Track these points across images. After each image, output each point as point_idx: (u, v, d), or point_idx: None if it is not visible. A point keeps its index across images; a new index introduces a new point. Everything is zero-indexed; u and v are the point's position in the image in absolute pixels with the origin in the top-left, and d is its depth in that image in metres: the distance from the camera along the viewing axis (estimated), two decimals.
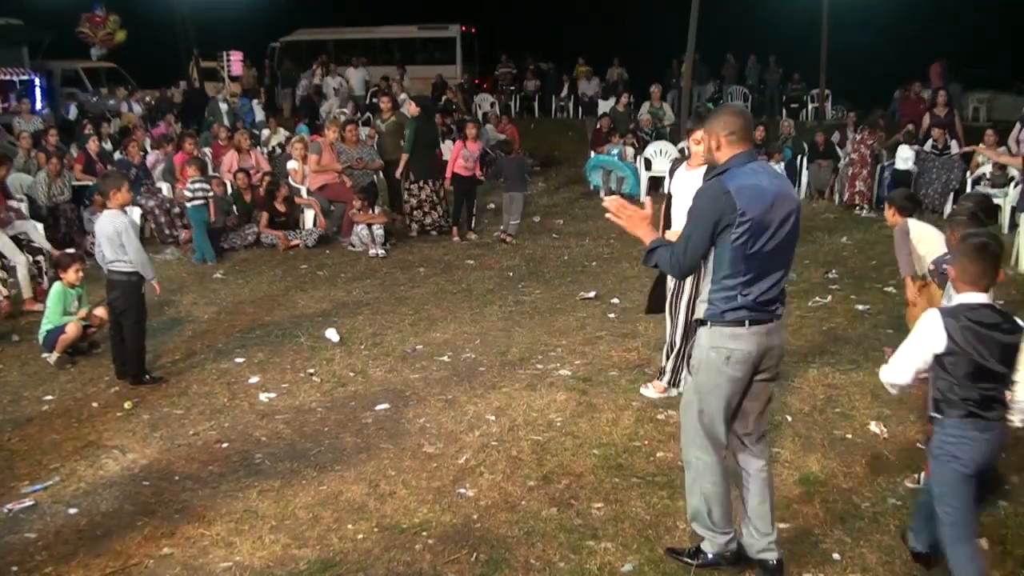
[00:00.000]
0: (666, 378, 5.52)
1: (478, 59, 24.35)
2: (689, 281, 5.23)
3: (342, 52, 22.89)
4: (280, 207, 10.16)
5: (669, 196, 5.51)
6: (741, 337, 3.29)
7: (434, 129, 11.23)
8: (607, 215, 3.48)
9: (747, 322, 3.28)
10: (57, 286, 6.42)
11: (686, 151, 13.17)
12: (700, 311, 3.39)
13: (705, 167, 5.11)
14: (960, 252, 3.26)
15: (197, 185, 9.36)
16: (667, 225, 5.48)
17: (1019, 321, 3.18)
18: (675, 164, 5.66)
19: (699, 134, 5.17)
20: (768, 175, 3.34)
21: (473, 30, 24.21)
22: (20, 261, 7.77)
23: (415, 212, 10.49)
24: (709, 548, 3.58)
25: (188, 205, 9.39)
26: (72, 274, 6.40)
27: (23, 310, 7.58)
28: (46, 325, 6.29)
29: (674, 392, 5.44)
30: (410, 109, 10.55)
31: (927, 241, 5.62)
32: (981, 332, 3.07)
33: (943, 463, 3.15)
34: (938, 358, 3.11)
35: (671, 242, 3.42)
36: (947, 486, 3.16)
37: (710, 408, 3.39)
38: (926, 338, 3.13)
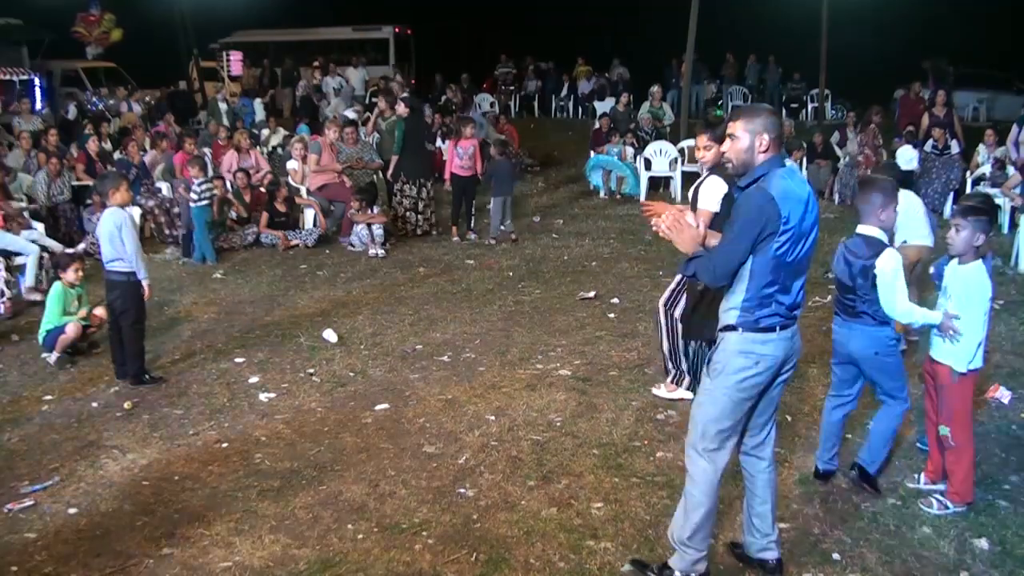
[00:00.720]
0: (671, 377, 5.53)
1: (414, 60, 24.53)
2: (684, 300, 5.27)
3: (283, 53, 23.07)
4: (280, 207, 10.17)
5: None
6: (771, 342, 3.27)
7: (423, 129, 11.22)
8: (655, 227, 3.30)
9: (778, 327, 3.27)
10: (57, 286, 6.42)
11: (689, 151, 13.07)
12: (729, 318, 3.29)
13: (707, 174, 5.12)
14: None
15: (204, 187, 9.35)
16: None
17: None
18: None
19: (701, 140, 5.17)
20: (799, 178, 3.31)
21: (408, 31, 24.37)
22: (32, 249, 7.89)
23: (408, 213, 10.48)
24: (677, 564, 3.46)
25: (192, 205, 9.39)
26: (72, 274, 6.40)
27: (26, 300, 7.66)
28: (46, 325, 6.29)
29: (682, 391, 5.46)
30: (399, 110, 10.54)
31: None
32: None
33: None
34: None
35: (710, 250, 3.33)
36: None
37: (724, 413, 3.32)
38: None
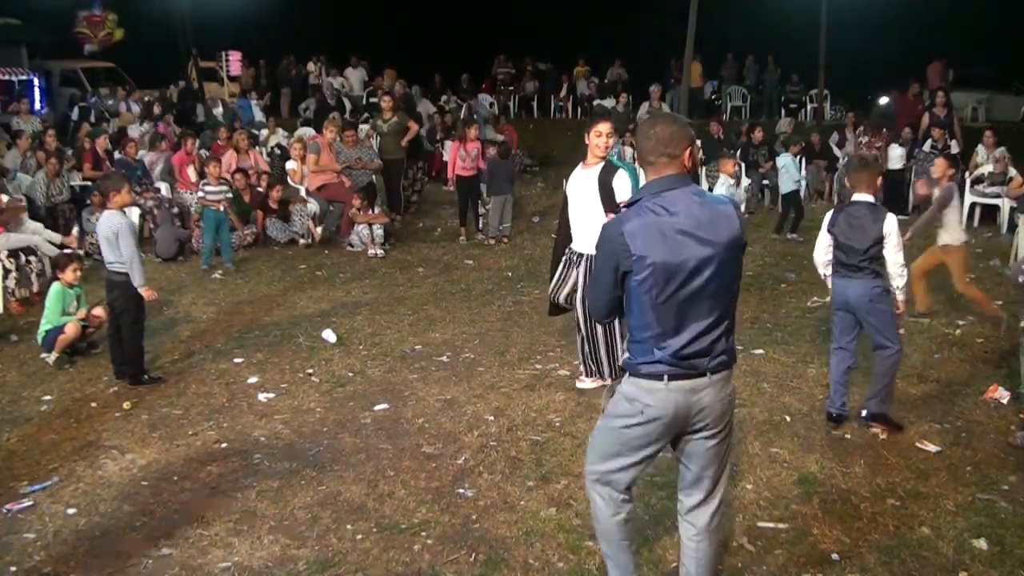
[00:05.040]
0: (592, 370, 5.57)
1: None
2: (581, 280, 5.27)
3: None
4: (273, 207, 10.20)
5: (565, 199, 5.47)
6: (657, 393, 2.84)
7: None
8: None
9: (666, 377, 2.82)
10: (56, 286, 6.43)
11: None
12: (621, 359, 3.11)
13: (600, 165, 5.17)
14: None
15: (218, 188, 9.34)
16: (566, 230, 5.46)
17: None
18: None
19: (604, 127, 5.17)
20: (690, 207, 2.79)
21: None
22: (38, 239, 8.02)
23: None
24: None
25: (202, 207, 9.38)
26: (70, 274, 6.40)
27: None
28: (45, 325, 6.29)
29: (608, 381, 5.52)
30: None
31: None
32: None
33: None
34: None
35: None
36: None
37: (606, 455, 3.03)
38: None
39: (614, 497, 3.09)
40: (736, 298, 2.93)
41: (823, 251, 5.10)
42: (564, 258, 5.47)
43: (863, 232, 4.82)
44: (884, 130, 12.19)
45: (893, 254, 4.83)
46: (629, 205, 2.88)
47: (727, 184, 9.00)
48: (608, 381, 5.48)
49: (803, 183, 12.00)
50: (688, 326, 2.81)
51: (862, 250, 4.82)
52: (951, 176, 6.96)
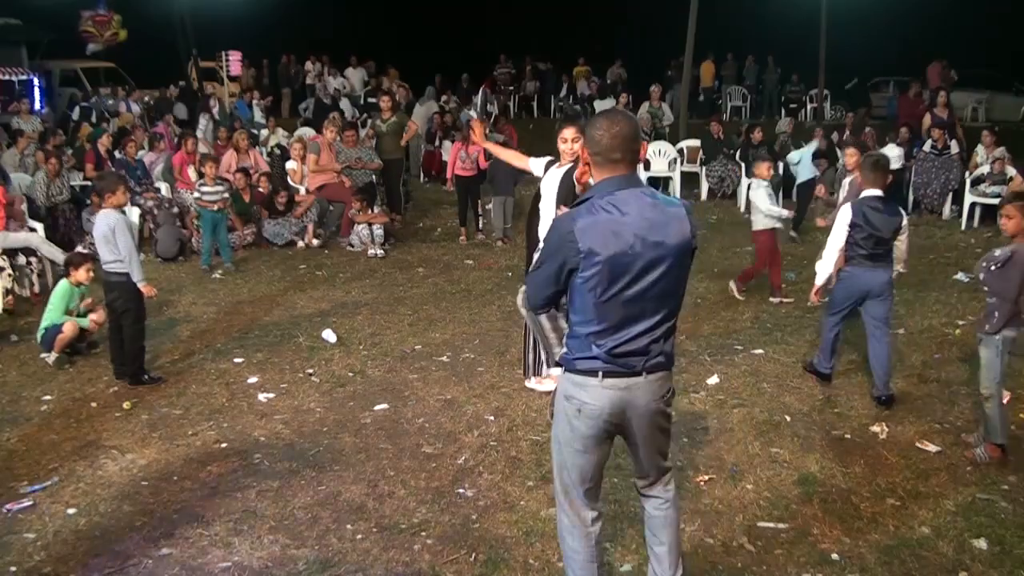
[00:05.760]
0: (530, 369, 5.59)
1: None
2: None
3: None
4: (280, 207, 10.22)
5: (537, 193, 5.47)
6: (591, 389, 2.84)
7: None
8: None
9: (600, 374, 2.82)
10: (63, 283, 6.45)
11: (689, 151, 13.11)
12: (557, 355, 3.01)
13: (569, 165, 5.20)
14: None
15: (214, 188, 9.34)
16: (535, 223, 5.47)
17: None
18: (550, 163, 5.45)
19: (568, 132, 5.20)
20: (641, 208, 2.76)
21: None
22: (36, 241, 8.08)
23: None
24: None
25: (200, 208, 9.38)
26: (83, 273, 6.40)
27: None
28: (45, 322, 6.31)
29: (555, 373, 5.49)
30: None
31: None
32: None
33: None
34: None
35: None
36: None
37: (566, 463, 2.98)
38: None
39: (582, 516, 3.03)
40: (681, 300, 2.91)
41: (838, 247, 5.43)
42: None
43: (886, 223, 5.26)
44: (866, 129, 12.19)
45: (905, 243, 5.41)
46: (581, 203, 2.83)
47: (763, 187, 7.73)
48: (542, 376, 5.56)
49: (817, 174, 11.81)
50: (628, 325, 2.80)
51: (888, 239, 5.29)
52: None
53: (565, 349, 2.93)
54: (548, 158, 5.46)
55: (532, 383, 5.65)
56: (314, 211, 10.39)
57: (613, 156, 2.80)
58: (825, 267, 5.52)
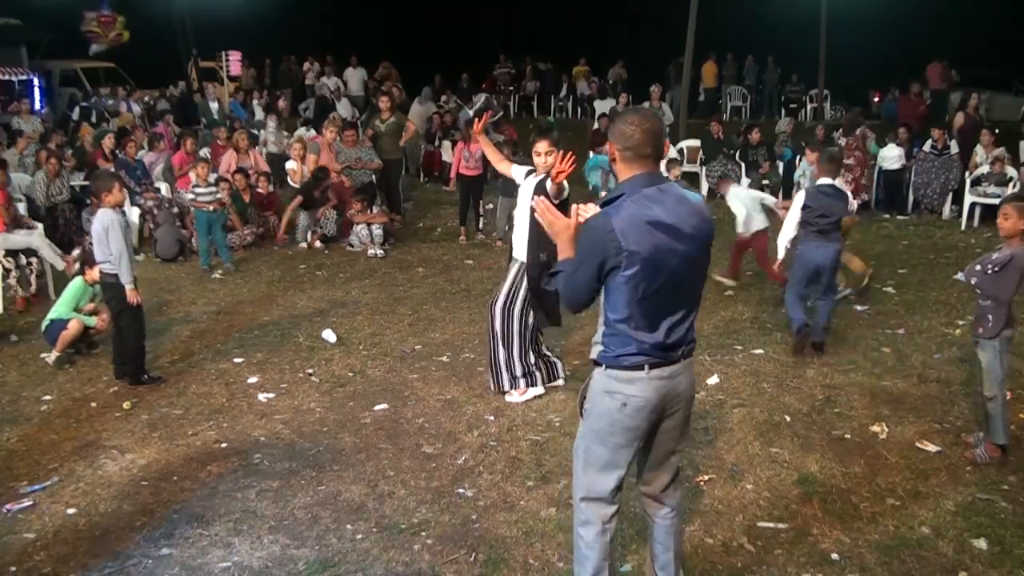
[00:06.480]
0: (513, 383, 5.55)
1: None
2: (523, 291, 5.35)
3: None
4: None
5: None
6: (639, 382, 2.88)
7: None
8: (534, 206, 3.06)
9: (646, 367, 2.87)
10: (78, 280, 6.47)
11: (689, 151, 13.12)
12: (593, 352, 3.00)
13: (543, 175, 5.20)
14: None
15: (207, 189, 9.33)
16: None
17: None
18: (528, 172, 5.46)
19: (542, 146, 5.21)
20: (670, 203, 2.83)
21: None
22: (38, 243, 8.02)
23: None
24: None
25: (192, 208, 9.38)
26: (97, 273, 6.39)
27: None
28: (51, 315, 6.33)
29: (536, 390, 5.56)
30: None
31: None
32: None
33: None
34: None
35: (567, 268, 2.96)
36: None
37: (597, 459, 2.99)
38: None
39: (602, 514, 3.04)
40: (703, 287, 3.03)
41: (794, 227, 6.32)
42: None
43: (835, 206, 6.15)
44: (859, 129, 12.17)
45: (850, 222, 6.56)
46: (610, 202, 2.85)
47: (733, 196, 7.99)
48: (521, 388, 5.53)
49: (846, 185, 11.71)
50: (667, 316, 2.87)
51: (836, 220, 6.16)
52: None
53: (601, 347, 2.95)
54: (528, 167, 5.49)
55: (516, 397, 5.54)
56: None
57: (644, 152, 2.85)
58: (783, 242, 6.49)
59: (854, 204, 6.29)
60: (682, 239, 2.82)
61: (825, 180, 6.27)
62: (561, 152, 4.81)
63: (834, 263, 6.26)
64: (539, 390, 5.56)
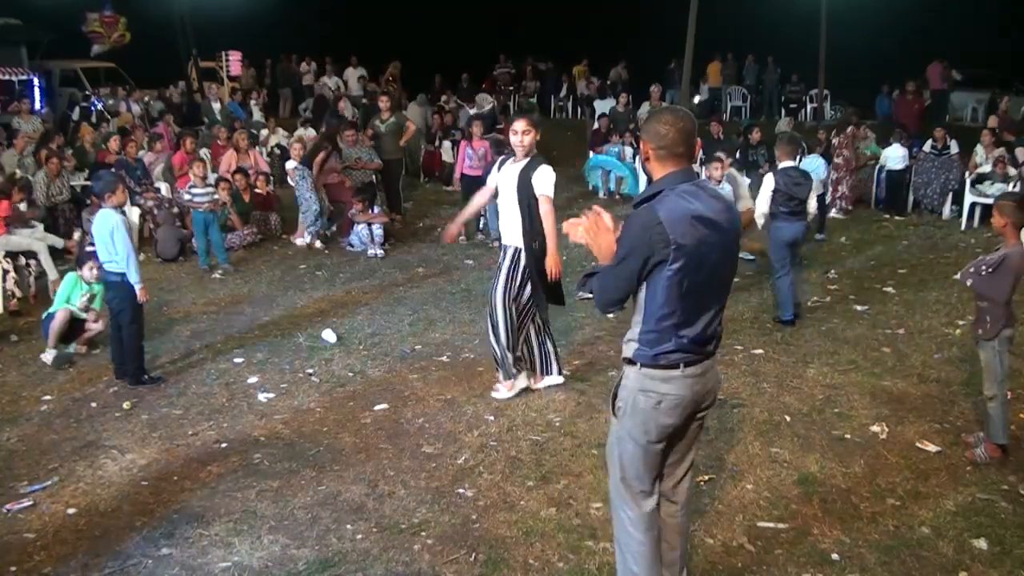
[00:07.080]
0: (501, 373, 5.56)
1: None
2: (520, 276, 5.32)
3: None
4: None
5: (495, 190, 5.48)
6: (675, 381, 2.90)
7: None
8: (567, 231, 3.04)
9: (682, 364, 2.89)
10: (71, 275, 6.54)
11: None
12: (628, 350, 2.97)
13: (526, 160, 5.20)
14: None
15: (204, 190, 9.32)
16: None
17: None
18: (503, 160, 5.45)
19: (519, 124, 5.20)
20: (705, 198, 2.87)
21: None
22: (40, 247, 8.05)
23: None
24: None
25: (191, 208, 9.37)
26: (86, 272, 6.42)
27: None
28: (49, 309, 6.43)
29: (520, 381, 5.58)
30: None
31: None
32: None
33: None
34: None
35: (603, 270, 2.96)
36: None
37: (633, 456, 3.00)
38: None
39: (643, 507, 3.05)
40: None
41: (767, 205, 6.88)
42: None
43: (800, 188, 6.78)
44: (849, 128, 12.17)
45: (814, 200, 7.11)
46: (649, 199, 2.85)
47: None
48: (539, 377, 5.59)
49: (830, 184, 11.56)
50: (703, 312, 2.90)
51: (803, 200, 6.82)
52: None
53: (636, 345, 2.93)
54: (502, 157, 5.49)
55: (503, 393, 5.54)
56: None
57: (678, 150, 2.88)
58: (759, 219, 7.06)
59: (815, 181, 6.99)
60: (721, 232, 2.86)
61: (787, 163, 6.86)
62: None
63: (802, 238, 7.05)
64: (523, 383, 5.58)
